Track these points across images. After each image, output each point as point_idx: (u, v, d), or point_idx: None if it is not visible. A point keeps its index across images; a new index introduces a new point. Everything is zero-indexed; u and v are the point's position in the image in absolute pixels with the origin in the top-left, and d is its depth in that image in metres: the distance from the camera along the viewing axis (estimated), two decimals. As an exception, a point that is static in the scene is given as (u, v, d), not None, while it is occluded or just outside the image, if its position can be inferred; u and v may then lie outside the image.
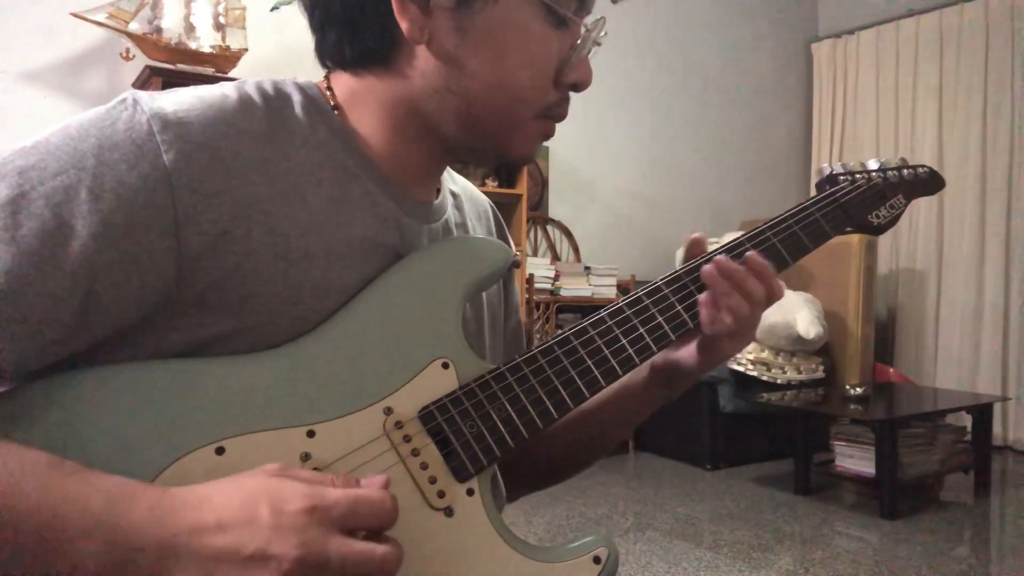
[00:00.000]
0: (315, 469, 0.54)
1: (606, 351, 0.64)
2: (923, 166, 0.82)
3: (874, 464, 3.07)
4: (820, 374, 3.90)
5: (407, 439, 0.57)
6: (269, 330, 0.56)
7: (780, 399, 3.52)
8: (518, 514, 2.89)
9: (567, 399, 0.62)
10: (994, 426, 3.74)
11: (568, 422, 0.77)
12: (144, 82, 2.86)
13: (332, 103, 0.63)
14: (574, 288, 3.98)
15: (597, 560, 0.58)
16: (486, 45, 0.59)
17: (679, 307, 0.67)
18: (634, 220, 4.56)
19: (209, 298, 0.54)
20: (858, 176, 0.78)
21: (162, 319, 0.54)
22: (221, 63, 2.94)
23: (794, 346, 3.79)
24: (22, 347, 0.48)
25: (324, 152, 0.60)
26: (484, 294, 0.75)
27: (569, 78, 0.63)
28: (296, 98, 0.61)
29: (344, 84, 0.64)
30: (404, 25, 0.58)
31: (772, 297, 0.68)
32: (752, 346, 3.79)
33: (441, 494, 0.57)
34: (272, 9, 3.06)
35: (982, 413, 3.43)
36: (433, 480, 0.57)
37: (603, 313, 0.66)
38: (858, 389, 3.42)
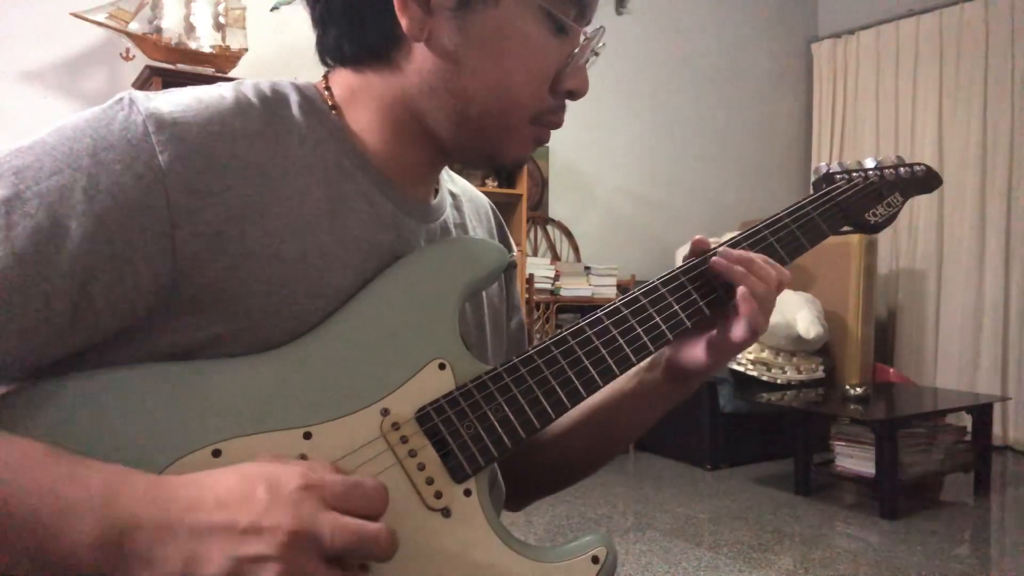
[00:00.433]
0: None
1: (603, 351, 0.63)
2: (919, 164, 0.82)
3: (874, 464, 3.07)
4: (820, 374, 3.90)
5: (404, 440, 0.57)
6: (265, 331, 0.56)
7: (780, 399, 3.52)
8: (518, 514, 2.89)
9: (565, 399, 0.61)
10: (994, 426, 3.74)
11: (583, 422, 0.77)
12: (144, 82, 2.86)
13: (330, 103, 0.63)
14: (574, 288, 3.98)
15: (595, 560, 0.58)
16: (485, 47, 0.59)
17: (676, 307, 0.66)
18: (634, 220, 4.56)
19: (205, 299, 0.54)
20: (855, 175, 0.78)
21: (158, 320, 0.53)
22: (221, 63, 2.94)
23: (794, 346, 3.79)
24: (16, 347, 0.48)
25: (321, 152, 0.60)
26: (485, 294, 0.74)
27: (566, 85, 0.63)
28: (293, 98, 0.61)
29: (343, 82, 0.64)
30: (404, 22, 0.58)
31: (782, 278, 0.68)
32: (752, 346, 3.79)
33: (438, 495, 0.57)
34: (272, 9, 3.06)
35: (982, 413, 3.43)
36: (430, 481, 0.57)
37: (600, 313, 0.65)
38: (858, 389, 3.41)
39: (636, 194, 4.59)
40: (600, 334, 0.64)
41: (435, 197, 0.70)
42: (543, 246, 4.25)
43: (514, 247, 0.83)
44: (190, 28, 2.90)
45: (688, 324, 0.67)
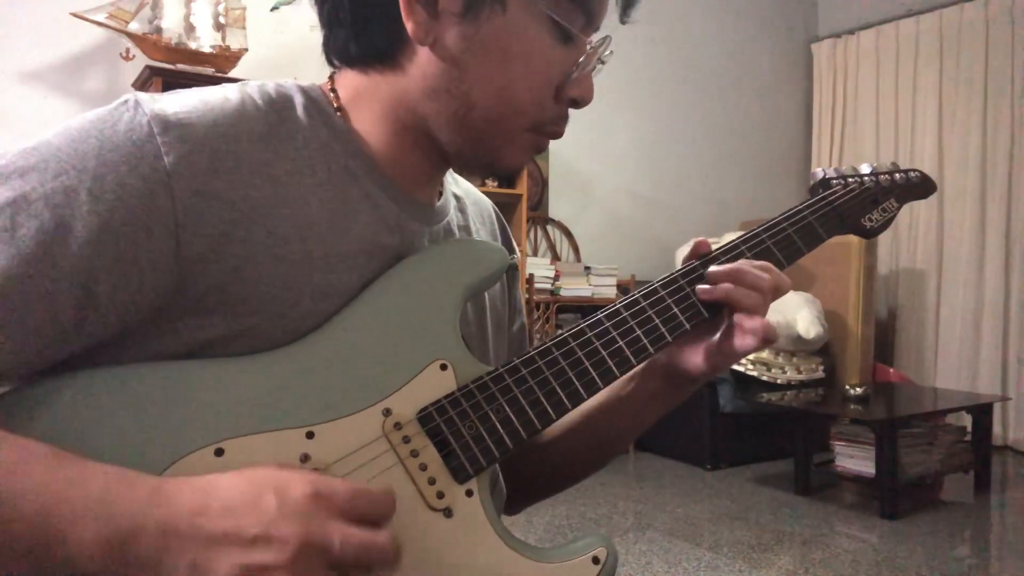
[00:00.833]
0: (315, 470, 0.54)
1: (603, 352, 0.64)
2: (914, 170, 0.82)
3: (874, 464, 3.07)
4: (820, 374, 3.90)
5: (406, 440, 0.57)
6: (269, 332, 0.56)
7: (780, 399, 3.52)
8: (518, 514, 2.89)
9: (565, 400, 0.62)
10: (994, 426, 3.74)
11: (580, 426, 0.77)
12: (144, 82, 2.87)
13: (335, 105, 0.63)
14: (574, 288, 3.98)
15: (596, 560, 0.59)
16: (490, 54, 0.59)
17: (675, 309, 0.66)
18: (634, 220, 4.56)
19: (209, 300, 0.54)
20: (851, 180, 0.78)
21: (162, 321, 0.54)
22: (221, 63, 2.94)
23: (794, 346, 3.80)
24: (21, 348, 0.49)
25: (325, 154, 0.61)
26: (487, 296, 0.75)
27: (570, 94, 0.63)
28: (298, 100, 0.62)
29: (349, 84, 0.64)
30: (410, 26, 0.58)
31: (780, 284, 0.68)
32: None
33: (440, 495, 0.57)
34: (272, 9, 3.06)
35: (982, 413, 3.43)
36: (432, 481, 0.57)
37: (601, 315, 0.66)
38: (858, 389, 3.42)
39: (636, 194, 4.59)
40: (600, 336, 0.64)
41: (439, 199, 0.70)
42: (543, 246, 4.25)
43: (516, 250, 0.83)
44: (190, 28, 2.90)
45: (687, 327, 0.67)
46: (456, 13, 0.58)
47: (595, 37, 0.63)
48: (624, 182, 4.54)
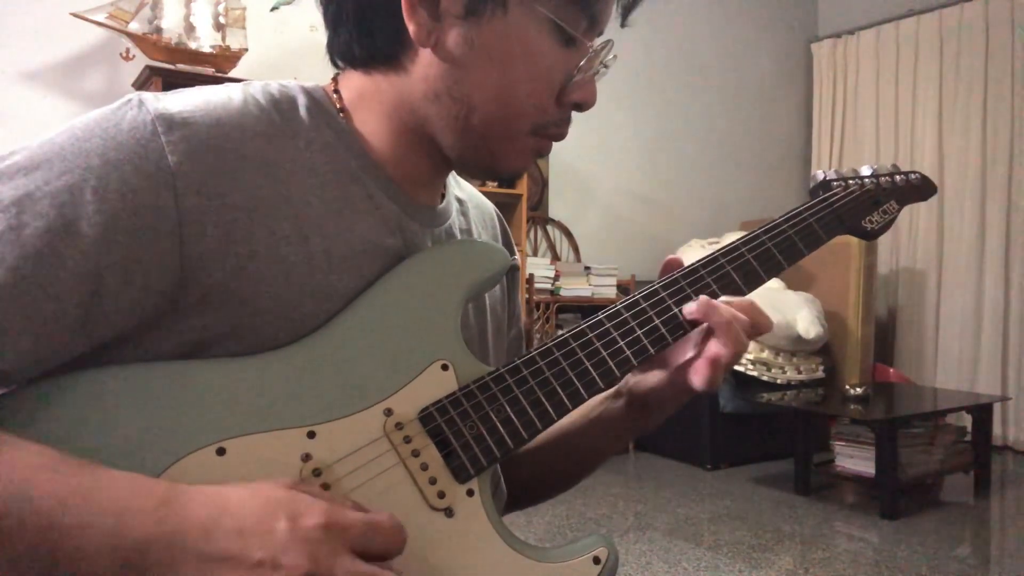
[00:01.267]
0: (316, 470, 0.54)
1: (604, 353, 0.64)
2: (914, 172, 0.82)
3: (874, 464, 3.07)
4: (820, 374, 3.90)
5: (407, 440, 0.57)
6: (271, 332, 0.56)
7: (780, 399, 3.52)
8: (518, 514, 2.89)
9: (566, 400, 0.62)
10: (994, 426, 3.74)
11: (552, 444, 0.77)
12: (144, 82, 2.87)
13: (338, 106, 0.63)
14: (574, 288, 3.98)
15: (597, 560, 0.59)
16: (492, 56, 0.59)
17: (676, 310, 0.66)
18: (634, 220, 4.56)
19: (212, 300, 0.54)
20: (851, 182, 0.78)
21: (165, 320, 0.54)
22: (221, 63, 2.94)
23: (794, 346, 3.79)
24: (26, 348, 0.49)
25: (328, 155, 0.61)
26: (488, 299, 0.75)
27: (572, 97, 0.63)
28: (301, 100, 0.62)
29: (352, 85, 0.64)
30: (412, 28, 0.58)
31: (760, 330, 0.66)
32: (752, 346, 3.79)
33: (441, 495, 0.57)
34: (272, 9, 3.06)
35: (982, 413, 3.43)
36: (433, 481, 0.57)
37: (601, 315, 0.66)
38: (858, 389, 3.42)
39: (636, 194, 4.59)
40: (601, 336, 0.64)
41: (441, 202, 0.70)
42: (543, 246, 4.25)
43: (517, 254, 0.83)
44: (190, 28, 2.90)
45: (688, 328, 0.66)
46: (458, 15, 0.58)
47: (598, 41, 0.63)
48: (624, 182, 4.54)
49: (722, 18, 4.94)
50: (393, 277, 0.61)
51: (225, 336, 0.55)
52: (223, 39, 2.95)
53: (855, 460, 3.19)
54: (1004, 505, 3.35)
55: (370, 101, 0.64)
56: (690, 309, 0.64)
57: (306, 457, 0.54)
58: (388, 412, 0.57)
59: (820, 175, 0.79)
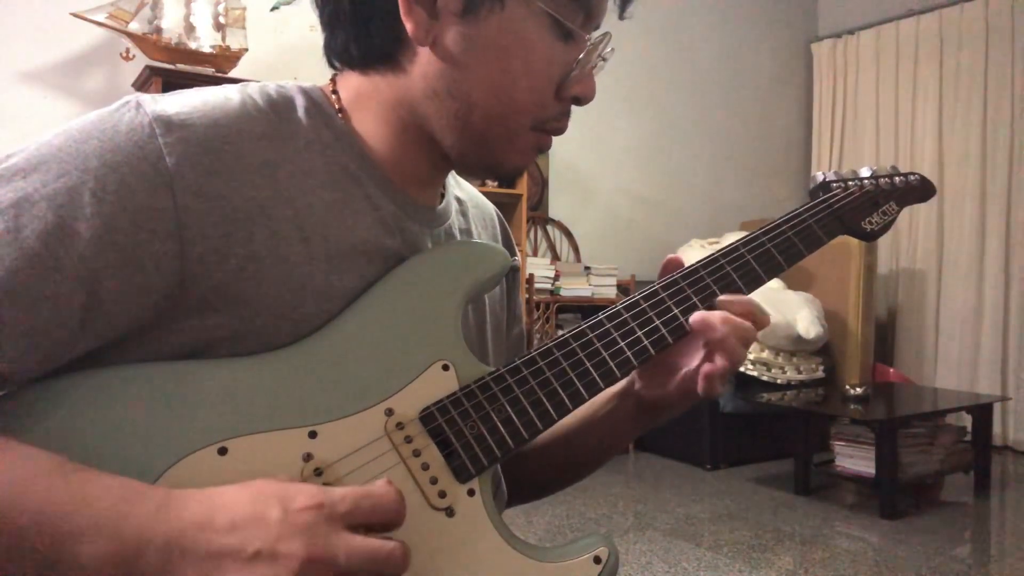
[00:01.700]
0: (317, 469, 0.54)
1: (605, 354, 0.64)
2: (914, 173, 0.83)
3: (874, 464, 3.07)
4: (820, 374, 3.90)
5: (408, 440, 0.57)
6: (271, 333, 0.56)
7: (780, 399, 3.52)
8: (518, 514, 2.90)
9: (567, 400, 0.62)
10: (994, 426, 3.74)
11: (554, 441, 0.77)
12: (144, 82, 2.87)
13: (337, 107, 0.63)
14: (574, 288, 3.98)
15: (597, 560, 0.59)
16: (489, 53, 0.59)
17: (676, 310, 0.66)
18: (634, 220, 4.56)
19: (211, 301, 0.54)
20: (850, 183, 0.79)
21: (164, 322, 0.54)
22: (221, 63, 2.95)
23: (794, 346, 3.80)
24: (25, 350, 0.48)
25: (327, 155, 0.61)
26: (487, 300, 0.75)
27: (572, 91, 0.62)
28: (299, 102, 0.62)
29: (350, 86, 0.64)
30: (409, 26, 0.58)
31: (760, 326, 0.67)
32: (752, 346, 3.79)
33: (442, 494, 0.57)
34: (272, 9, 3.06)
35: (982, 413, 3.43)
36: (434, 481, 0.57)
37: (602, 316, 0.66)
38: (858, 389, 3.42)
39: (636, 194, 4.59)
40: (601, 337, 0.64)
41: (441, 202, 0.70)
42: (543, 246, 4.25)
43: (518, 254, 0.83)
44: (190, 28, 2.90)
45: (688, 329, 0.66)
46: (455, 12, 0.58)
47: (595, 35, 0.63)
48: (624, 182, 4.54)
49: (722, 18, 4.94)
50: (393, 278, 0.61)
51: (226, 337, 0.55)
52: (223, 39, 2.95)
53: (855, 460, 3.19)
54: (1004, 505, 3.35)
55: (368, 101, 0.64)
56: (693, 320, 0.65)
57: (307, 457, 0.54)
58: (389, 412, 0.57)
59: (819, 176, 0.79)
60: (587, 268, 4.10)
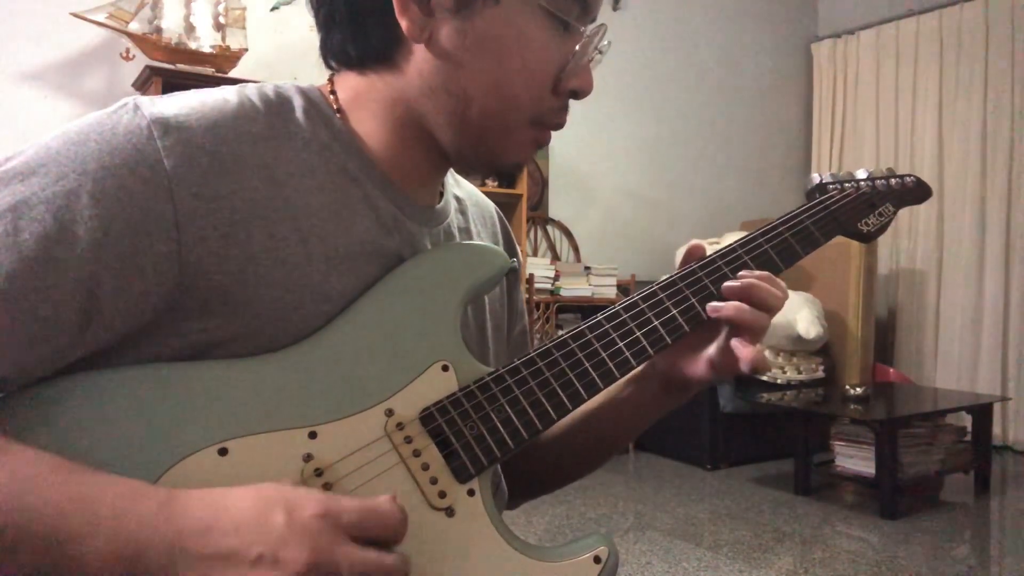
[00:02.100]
0: (317, 470, 0.54)
1: (604, 354, 0.64)
2: (910, 175, 0.83)
3: (874, 464, 3.07)
4: (820, 374, 3.90)
5: (408, 440, 0.57)
6: (271, 334, 0.56)
7: (780, 399, 3.52)
8: (518, 514, 2.90)
9: (566, 401, 0.62)
10: (994, 426, 3.74)
11: (576, 427, 0.77)
12: (144, 82, 2.87)
13: (335, 106, 0.63)
14: (574, 288, 3.98)
15: (597, 560, 0.59)
16: (485, 48, 0.59)
17: (674, 311, 0.66)
18: (634, 220, 4.56)
19: (211, 302, 0.54)
20: (847, 185, 0.79)
21: (164, 323, 0.54)
22: (221, 63, 2.95)
23: (794, 346, 3.80)
24: (25, 353, 0.49)
25: (325, 156, 0.61)
26: (487, 300, 0.75)
27: (569, 85, 0.62)
28: (297, 102, 0.62)
29: (348, 85, 0.64)
30: (405, 24, 0.58)
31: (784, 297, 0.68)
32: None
33: (442, 494, 0.57)
34: (272, 9, 3.06)
35: (982, 413, 3.43)
36: (434, 481, 0.57)
37: (601, 316, 0.66)
38: (858, 389, 3.42)
39: (636, 194, 4.59)
40: (601, 337, 0.64)
41: (440, 201, 0.70)
42: (543, 246, 4.25)
43: (519, 253, 0.83)
44: (190, 28, 2.90)
45: (687, 329, 0.66)
46: (449, 8, 0.58)
47: (591, 27, 0.62)
48: (624, 182, 4.54)
49: (722, 18, 4.94)
50: (393, 278, 0.61)
51: (225, 338, 0.55)
52: (223, 39, 2.95)
53: (855, 460, 3.19)
54: (1004, 505, 3.35)
55: (366, 101, 0.63)
56: (714, 308, 0.66)
57: (308, 457, 0.54)
58: (389, 412, 0.57)
59: (816, 178, 0.80)
60: (587, 268, 4.10)
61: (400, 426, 0.57)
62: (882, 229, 0.79)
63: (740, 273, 0.68)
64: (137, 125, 0.53)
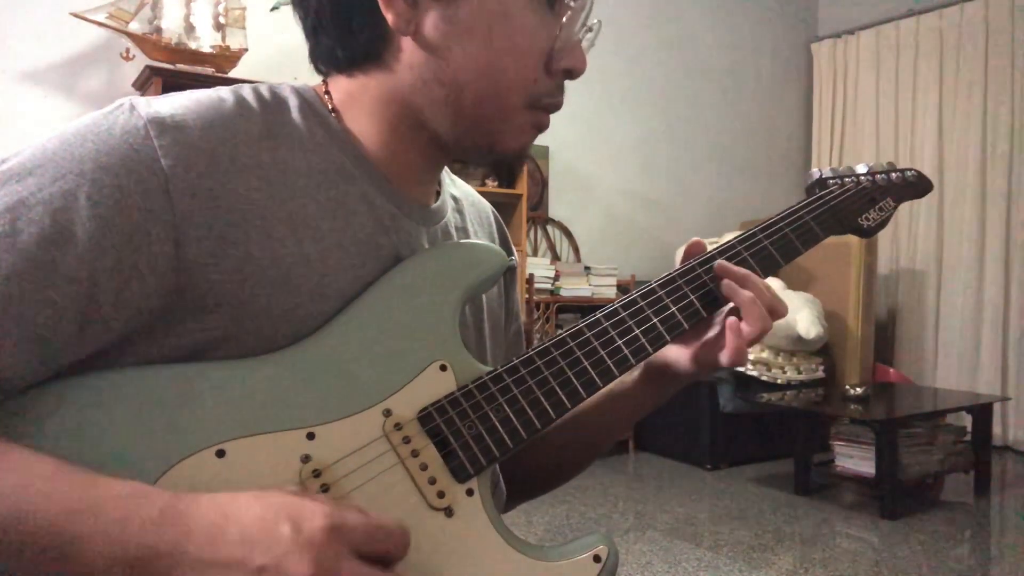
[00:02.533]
0: (315, 471, 0.54)
1: (602, 352, 0.64)
2: (911, 169, 0.83)
3: (874, 464, 3.07)
4: (820, 374, 3.90)
5: (407, 440, 0.57)
6: (268, 334, 0.56)
7: (780, 399, 3.52)
8: (518, 514, 2.90)
9: (565, 400, 0.62)
10: (994, 426, 3.74)
11: (570, 423, 0.77)
12: (144, 82, 2.87)
13: (330, 106, 0.63)
14: (574, 288, 3.98)
15: (597, 559, 0.59)
16: (471, 33, 0.59)
17: (673, 308, 0.66)
18: (634, 220, 4.56)
19: (209, 302, 0.54)
20: (847, 180, 0.79)
21: (162, 324, 0.53)
22: (221, 63, 2.95)
23: (794, 346, 3.79)
24: (23, 354, 0.48)
25: (321, 155, 0.61)
26: (484, 299, 0.75)
27: (561, 64, 0.62)
28: (293, 102, 0.62)
29: (340, 87, 0.64)
30: (390, 17, 0.58)
31: (776, 315, 0.68)
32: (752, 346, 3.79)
33: (441, 494, 0.57)
34: (272, 9, 3.06)
35: (982, 413, 3.43)
36: (433, 481, 0.57)
37: (599, 315, 0.66)
38: (858, 389, 3.42)
39: (636, 194, 4.59)
40: (599, 335, 0.64)
41: (436, 200, 0.70)
42: (543, 246, 4.25)
43: (515, 253, 0.83)
44: (190, 28, 2.90)
45: (686, 326, 0.67)
46: None
47: (577, 3, 0.62)
48: (624, 182, 4.54)
49: (722, 18, 4.94)
50: (391, 278, 0.61)
51: (223, 339, 0.55)
52: (223, 39, 2.95)
53: (855, 460, 3.19)
54: (1004, 505, 3.35)
55: (359, 100, 0.63)
56: (730, 288, 0.66)
57: (306, 458, 0.54)
58: (387, 413, 0.57)
59: (816, 173, 0.79)
60: (587, 268, 4.10)
61: (398, 426, 0.57)
62: (883, 224, 0.79)
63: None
64: (134, 125, 0.53)
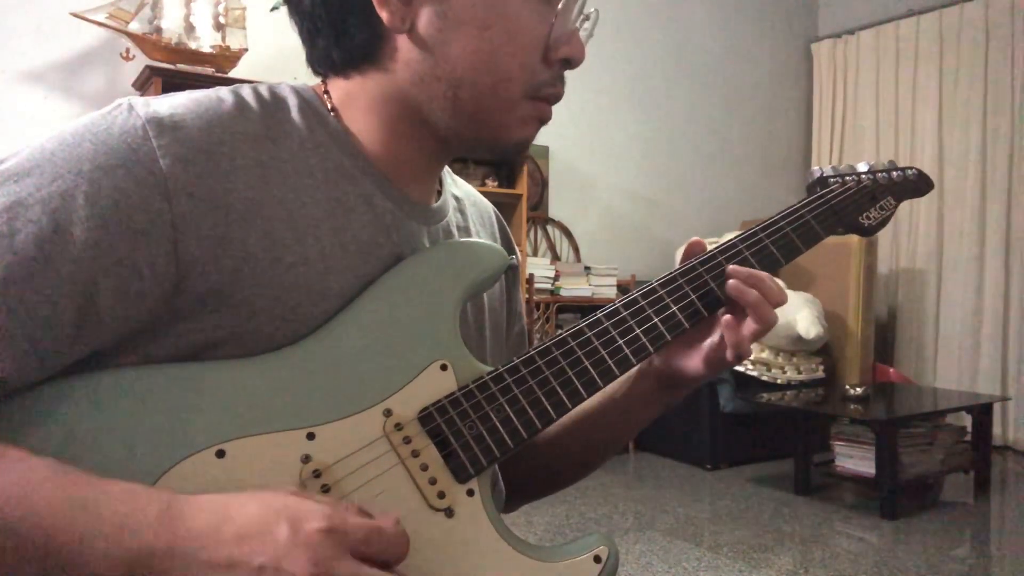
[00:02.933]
0: (315, 471, 0.54)
1: (603, 352, 0.64)
2: (911, 168, 0.82)
3: (874, 464, 3.07)
4: (820, 374, 3.90)
5: (407, 440, 0.57)
6: (268, 334, 0.56)
7: (780, 399, 3.52)
8: (518, 514, 2.89)
9: (565, 400, 0.62)
10: (994, 426, 3.74)
11: (573, 428, 0.77)
12: (144, 82, 2.87)
13: (329, 106, 0.63)
14: (574, 288, 3.98)
15: (597, 559, 0.59)
16: (467, 26, 0.59)
17: (674, 308, 0.66)
18: (634, 220, 4.56)
19: (208, 303, 0.54)
20: (848, 178, 0.78)
21: (161, 324, 0.53)
22: (221, 63, 2.94)
23: (794, 346, 3.79)
24: (22, 355, 0.48)
25: (321, 154, 0.60)
26: (486, 298, 0.74)
27: (559, 54, 0.62)
28: (292, 101, 0.61)
29: (338, 87, 0.64)
30: (385, 16, 0.58)
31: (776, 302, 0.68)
32: (753, 346, 3.79)
33: (441, 495, 0.57)
34: (272, 9, 3.06)
35: (982, 413, 3.43)
36: (433, 481, 0.57)
37: (600, 314, 0.66)
38: (858, 389, 3.42)
39: (636, 194, 4.59)
40: (600, 335, 0.64)
41: (437, 200, 0.70)
42: (543, 246, 4.25)
43: (517, 252, 0.83)
44: (190, 28, 2.90)
45: (687, 325, 0.67)
46: None
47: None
48: (624, 182, 4.54)
49: (722, 18, 4.94)
50: (391, 277, 0.61)
51: (223, 339, 0.54)
52: (223, 39, 2.95)
53: (855, 460, 3.19)
54: (1004, 505, 3.35)
55: (358, 100, 0.63)
56: (736, 287, 0.66)
57: (306, 459, 0.54)
58: (387, 413, 0.57)
59: (817, 172, 0.79)
60: (587, 268, 4.10)
61: (399, 426, 0.57)
62: (883, 223, 0.78)
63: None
64: (132, 125, 0.53)
